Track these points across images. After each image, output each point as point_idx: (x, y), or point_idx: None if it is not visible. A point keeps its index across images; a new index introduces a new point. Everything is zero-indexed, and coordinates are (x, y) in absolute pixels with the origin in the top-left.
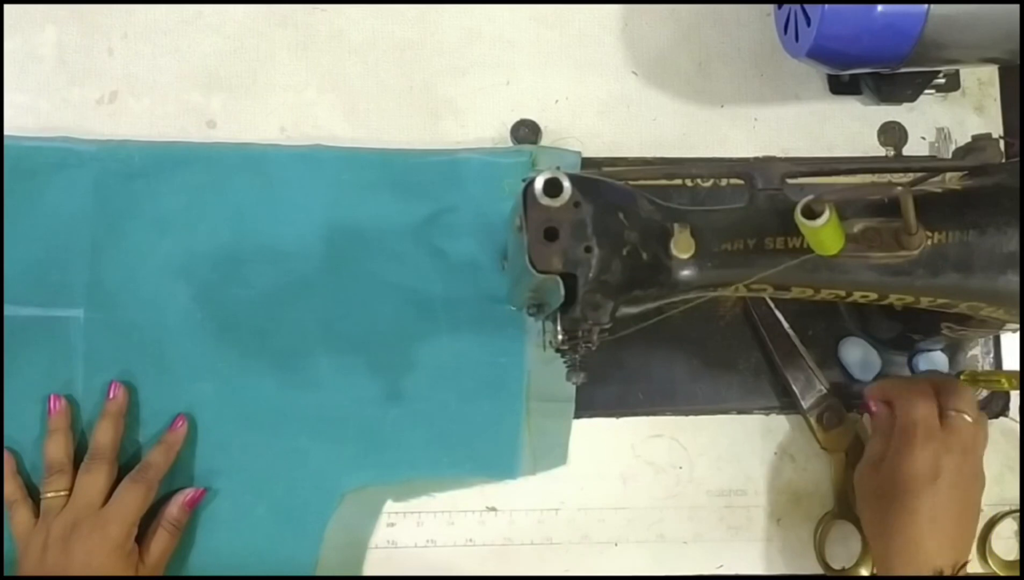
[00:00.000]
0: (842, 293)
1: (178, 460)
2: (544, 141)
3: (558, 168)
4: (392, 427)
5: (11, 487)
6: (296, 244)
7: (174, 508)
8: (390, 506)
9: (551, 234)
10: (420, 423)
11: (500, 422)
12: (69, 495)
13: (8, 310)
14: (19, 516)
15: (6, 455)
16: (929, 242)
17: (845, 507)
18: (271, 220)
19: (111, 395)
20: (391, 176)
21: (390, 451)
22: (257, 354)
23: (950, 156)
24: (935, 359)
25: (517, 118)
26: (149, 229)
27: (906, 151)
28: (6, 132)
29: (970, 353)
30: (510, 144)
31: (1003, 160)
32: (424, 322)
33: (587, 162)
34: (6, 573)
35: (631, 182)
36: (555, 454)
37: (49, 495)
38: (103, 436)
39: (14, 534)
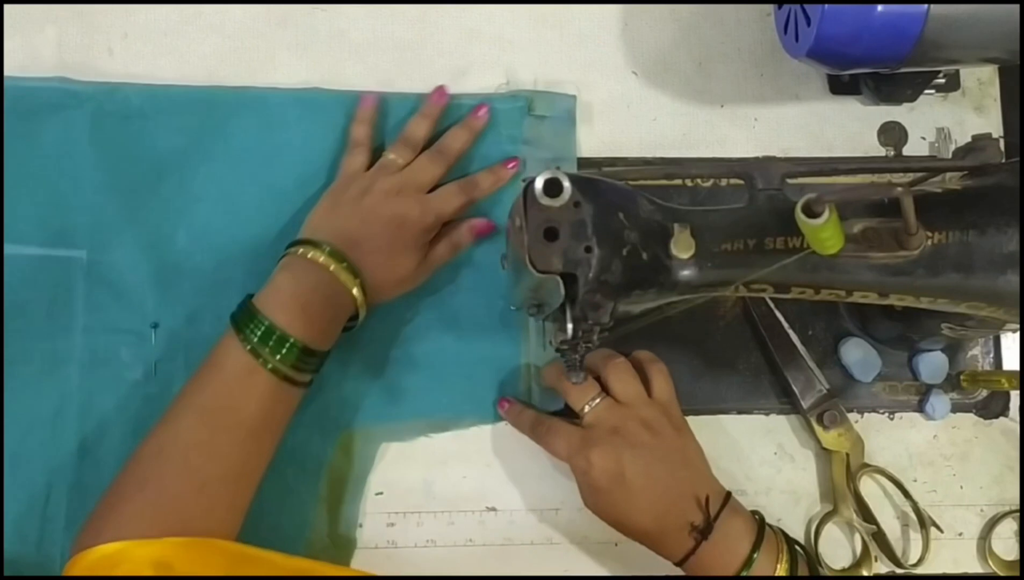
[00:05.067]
0: (842, 293)
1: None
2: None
3: (558, 168)
4: (392, 368)
5: (361, 131)
6: (295, 186)
7: (464, 229)
8: (390, 506)
9: (551, 234)
10: (420, 365)
11: (500, 363)
12: (405, 167)
13: (10, 248)
14: (356, 159)
15: (372, 101)
16: (929, 242)
17: (844, 507)
18: (270, 162)
19: (476, 114)
20: (390, 120)
21: (390, 391)
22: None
23: (950, 156)
24: (935, 359)
25: None
26: (148, 170)
27: (906, 151)
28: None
29: (970, 353)
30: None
31: (1003, 160)
32: None
33: (587, 162)
34: None
35: (631, 182)
36: (556, 396)
37: (391, 157)
38: (455, 141)
39: (343, 170)
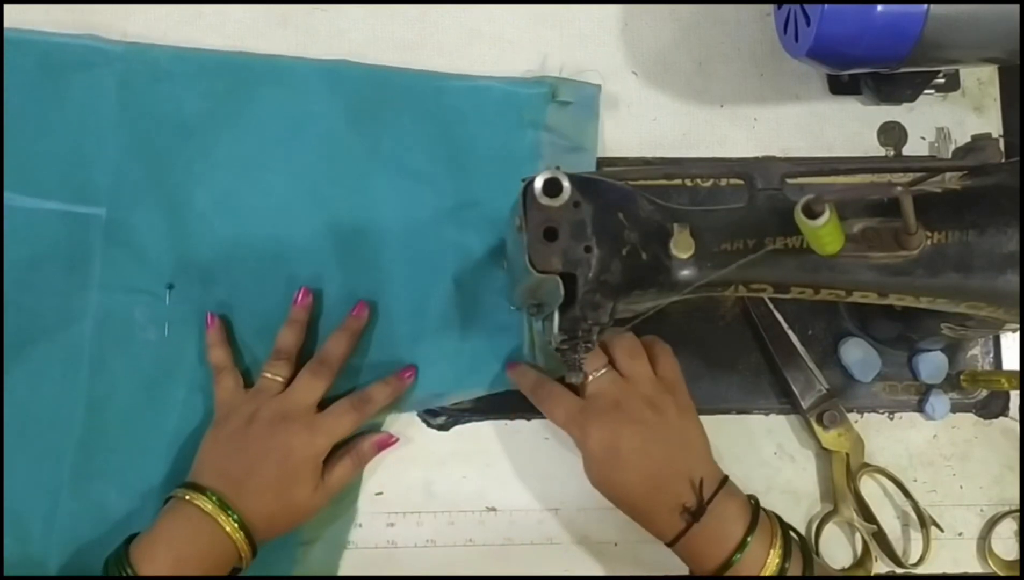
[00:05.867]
0: (842, 293)
1: (184, 370)
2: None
3: (558, 168)
4: (402, 341)
5: (220, 354)
6: (316, 157)
7: (365, 445)
8: (390, 506)
9: (551, 234)
10: (427, 338)
11: (502, 332)
12: (285, 384)
13: (31, 202)
14: (225, 382)
15: (217, 323)
16: (929, 242)
17: (845, 507)
18: (293, 132)
19: (355, 313)
20: (413, 96)
21: (391, 366)
22: (271, 262)
23: (950, 156)
24: (935, 359)
25: None
26: (172, 133)
27: (906, 151)
28: (33, 28)
29: (970, 353)
30: None
31: (1003, 160)
32: (439, 239)
33: None
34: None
35: (631, 182)
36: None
37: (268, 376)
38: (336, 348)
39: (217, 397)
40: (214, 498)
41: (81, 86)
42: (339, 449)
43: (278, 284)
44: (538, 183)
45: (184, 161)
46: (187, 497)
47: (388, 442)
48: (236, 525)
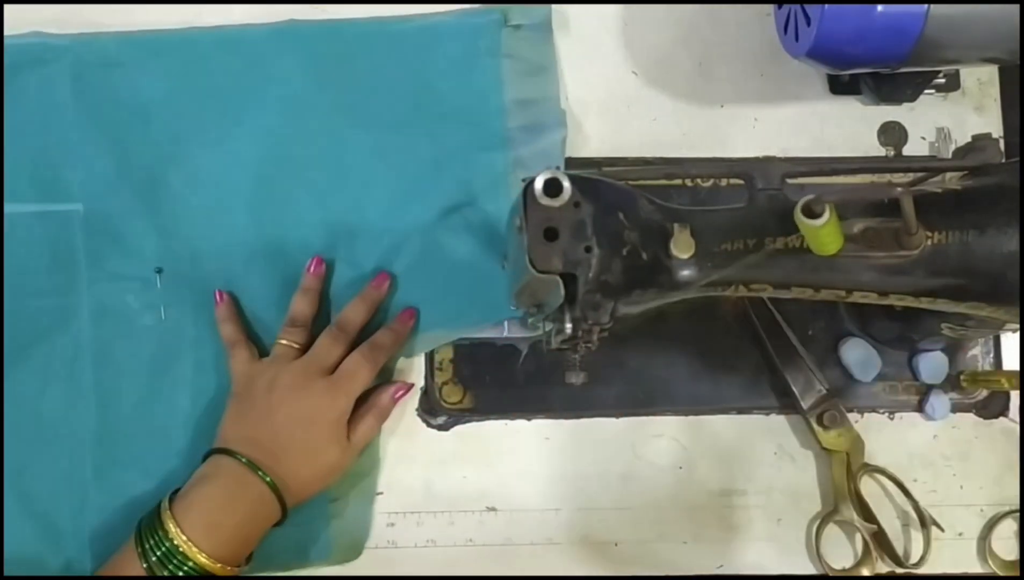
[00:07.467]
0: (842, 293)
1: (187, 349)
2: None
3: (558, 168)
4: (396, 287)
5: (231, 329)
6: (281, 119)
7: (385, 397)
8: (390, 506)
9: (551, 234)
10: (421, 280)
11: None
12: (301, 351)
13: (7, 208)
14: (240, 354)
15: (227, 299)
16: (929, 242)
17: (845, 507)
18: (253, 98)
19: (374, 284)
20: (368, 45)
21: (395, 311)
22: (254, 231)
23: (950, 156)
24: (935, 359)
25: None
26: (134, 118)
27: (906, 151)
28: None
29: (970, 353)
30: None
31: (1003, 160)
32: (415, 179)
33: (587, 162)
34: None
35: (631, 182)
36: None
37: (284, 343)
38: (356, 315)
39: (233, 370)
40: (244, 459)
41: (36, 85)
42: (358, 405)
43: (264, 252)
44: (538, 183)
45: (151, 144)
46: (218, 461)
47: (405, 390)
48: (268, 487)
